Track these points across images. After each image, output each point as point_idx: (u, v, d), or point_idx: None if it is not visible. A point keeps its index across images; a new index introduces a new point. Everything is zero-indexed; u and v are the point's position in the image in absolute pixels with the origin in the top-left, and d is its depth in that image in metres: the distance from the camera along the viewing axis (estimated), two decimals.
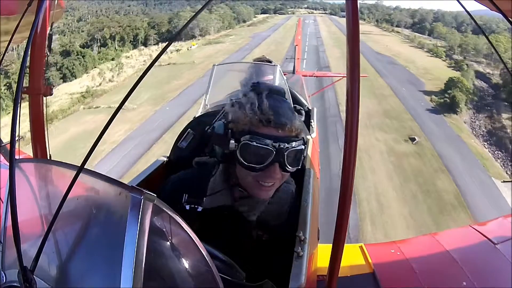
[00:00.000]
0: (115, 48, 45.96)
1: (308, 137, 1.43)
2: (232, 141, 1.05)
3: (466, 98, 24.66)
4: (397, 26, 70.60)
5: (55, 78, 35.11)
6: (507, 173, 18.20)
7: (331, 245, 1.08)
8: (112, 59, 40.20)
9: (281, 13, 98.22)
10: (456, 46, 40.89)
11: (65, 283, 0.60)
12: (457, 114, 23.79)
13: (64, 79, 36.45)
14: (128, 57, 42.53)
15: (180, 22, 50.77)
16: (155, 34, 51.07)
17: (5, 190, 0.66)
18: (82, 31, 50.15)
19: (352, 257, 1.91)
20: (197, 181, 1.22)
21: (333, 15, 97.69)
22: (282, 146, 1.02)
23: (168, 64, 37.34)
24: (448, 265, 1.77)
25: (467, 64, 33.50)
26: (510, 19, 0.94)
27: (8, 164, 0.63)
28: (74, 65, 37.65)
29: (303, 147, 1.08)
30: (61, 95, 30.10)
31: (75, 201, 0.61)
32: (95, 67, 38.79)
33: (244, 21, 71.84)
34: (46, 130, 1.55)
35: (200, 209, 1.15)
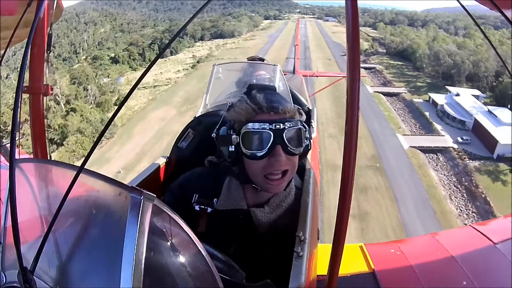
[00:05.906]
0: (187, 40, 77.06)
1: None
2: (234, 135, 1.11)
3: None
4: (363, 26, 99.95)
5: (167, 54, 62.09)
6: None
7: (331, 245, 1.07)
8: (188, 47, 73.49)
9: (279, 19, 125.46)
10: (384, 35, 78.55)
11: (65, 283, 0.59)
12: None
13: (171, 53, 67.06)
14: (199, 45, 75.24)
15: (220, 24, 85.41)
16: (209, 33, 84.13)
17: (5, 190, 0.66)
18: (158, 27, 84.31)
19: (352, 257, 1.91)
20: (210, 180, 1.22)
21: (319, 19, 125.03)
22: (278, 127, 1.08)
23: (236, 47, 67.45)
24: (448, 265, 1.77)
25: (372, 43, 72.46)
26: (510, 19, 0.93)
27: (8, 164, 0.63)
28: (177, 46, 69.29)
29: (300, 126, 1.13)
30: (186, 58, 62.06)
31: (75, 202, 0.61)
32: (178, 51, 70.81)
33: (257, 26, 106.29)
34: (46, 129, 1.54)
35: (210, 210, 1.15)
